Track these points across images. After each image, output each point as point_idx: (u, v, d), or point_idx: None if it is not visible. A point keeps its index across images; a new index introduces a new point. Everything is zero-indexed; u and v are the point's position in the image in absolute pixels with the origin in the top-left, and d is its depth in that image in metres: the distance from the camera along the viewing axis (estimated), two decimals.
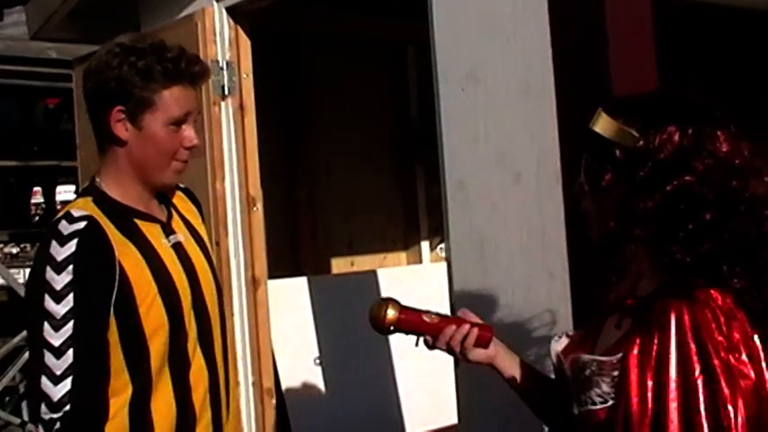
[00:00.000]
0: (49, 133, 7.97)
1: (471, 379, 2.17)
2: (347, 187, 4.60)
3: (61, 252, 1.73)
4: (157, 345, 1.81)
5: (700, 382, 1.26)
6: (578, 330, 1.65)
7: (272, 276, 3.53)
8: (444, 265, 2.53)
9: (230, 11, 3.31)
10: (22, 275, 7.23)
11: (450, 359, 2.14)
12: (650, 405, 1.30)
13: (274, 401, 3.43)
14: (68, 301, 1.71)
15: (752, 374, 1.27)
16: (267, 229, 3.45)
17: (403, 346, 4.15)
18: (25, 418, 5.96)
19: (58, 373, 1.69)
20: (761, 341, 1.30)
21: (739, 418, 1.24)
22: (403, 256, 4.86)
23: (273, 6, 3.37)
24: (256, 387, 3.32)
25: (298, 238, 4.52)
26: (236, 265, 3.32)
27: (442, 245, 4.65)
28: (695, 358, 1.26)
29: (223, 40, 3.31)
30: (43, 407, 1.69)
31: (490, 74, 2.21)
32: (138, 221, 1.87)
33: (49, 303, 1.71)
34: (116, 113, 1.83)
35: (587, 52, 1.99)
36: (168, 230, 1.92)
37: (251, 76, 3.36)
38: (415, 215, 4.86)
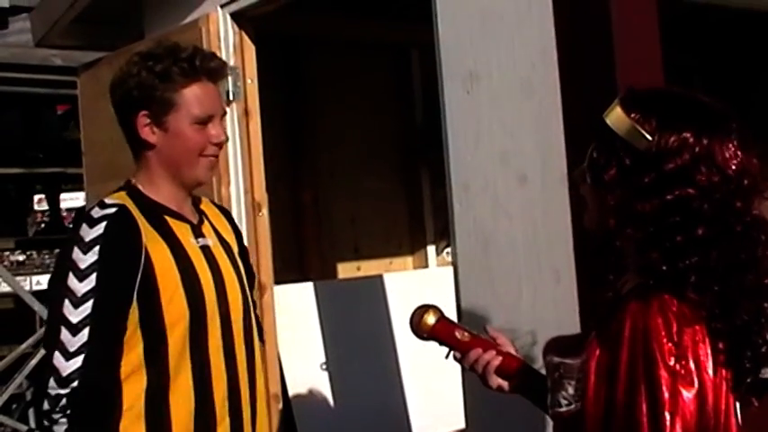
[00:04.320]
0: (55, 141, 7.99)
1: (478, 384, 2.16)
2: (352, 191, 4.59)
3: (90, 233, 1.78)
4: (177, 337, 1.82)
5: (643, 388, 1.26)
6: (577, 333, 1.65)
7: (278, 281, 3.53)
8: (451, 269, 2.52)
9: (234, 16, 3.31)
10: (28, 283, 7.23)
11: (457, 364, 2.13)
12: (603, 410, 1.31)
13: (281, 407, 3.42)
14: (90, 281, 1.75)
15: (696, 383, 1.26)
16: (273, 234, 3.44)
17: (409, 351, 4.15)
18: (32, 425, 5.96)
19: (72, 349, 1.72)
20: (713, 351, 1.29)
21: (677, 426, 1.24)
22: (409, 260, 4.85)
23: (278, 11, 3.37)
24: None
25: (303, 242, 4.51)
26: None
27: (449, 249, 4.64)
28: (641, 366, 1.27)
29: (227, 46, 3.31)
30: (51, 381, 1.71)
31: (495, 74, 2.20)
32: (168, 218, 1.90)
33: (72, 281, 1.75)
34: (141, 118, 1.88)
35: (592, 51, 1.98)
36: (197, 232, 1.95)
37: (256, 81, 3.35)
38: (421, 219, 4.85)
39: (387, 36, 4.48)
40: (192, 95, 1.88)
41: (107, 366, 1.76)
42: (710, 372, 1.28)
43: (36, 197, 8.67)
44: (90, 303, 1.73)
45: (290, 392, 3.80)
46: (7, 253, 7.81)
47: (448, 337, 1.62)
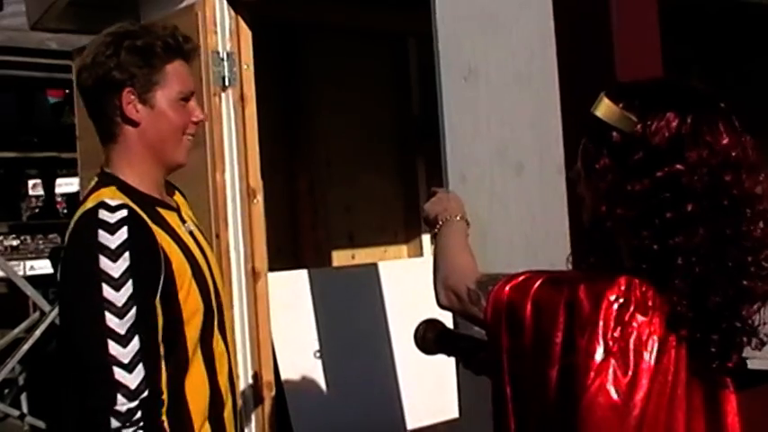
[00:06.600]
0: (49, 125, 7.96)
1: (472, 374, 2.16)
2: (348, 179, 4.59)
3: (113, 240, 1.72)
4: (193, 330, 1.82)
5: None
6: None
7: (272, 269, 3.52)
8: None
9: (231, 1, 3.29)
10: (22, 268, 7.23)
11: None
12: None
13: (274, 394, 3.42)
14: (128, 288, 1.70)
15: (630, 371, 1.28)
16: (267, 222, 3.43)
17: (403, 340, 4.15)
18: (24, 410, 5.96)
19: (127, 361, 1.68)
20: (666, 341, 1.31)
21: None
22: (404, 248, 4.85)
23: None
24: (256, 380, 3.31)
25: (298, 230, 4.50)
26: (237, 258, 3.31)
27: None
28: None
29: (224, 31, 3.29)
30: (120, 398, 1.67)
31: (492, 65, 2.19)
32: (159, 210, 1.88)
33: (109, 292, 1.69)
34: (126, 96, 1.84)
35: (591, 42, 1.97)
36: (182, 219, 1.95)
37: (252, 66, 3.34)
38: (416, 207, 4.84)
39: (384, 24, 4.46)
40: (175, 72, 1.87)
41: (159, 368, 1.76)
42: (651, 363, 1.30)
43: (30, 182, 8.65)
44: (133, 311, 1.70)
45: (284, 380, 3.80)
46: (1, 238, 7.81)
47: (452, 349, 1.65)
